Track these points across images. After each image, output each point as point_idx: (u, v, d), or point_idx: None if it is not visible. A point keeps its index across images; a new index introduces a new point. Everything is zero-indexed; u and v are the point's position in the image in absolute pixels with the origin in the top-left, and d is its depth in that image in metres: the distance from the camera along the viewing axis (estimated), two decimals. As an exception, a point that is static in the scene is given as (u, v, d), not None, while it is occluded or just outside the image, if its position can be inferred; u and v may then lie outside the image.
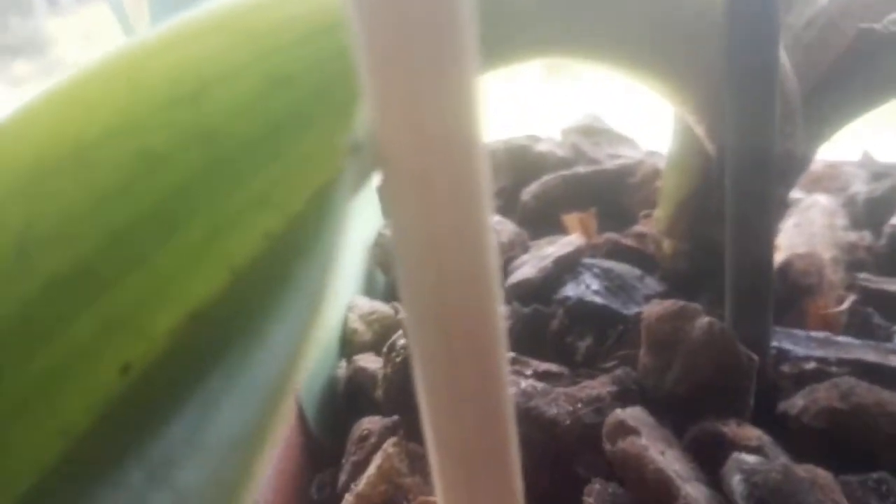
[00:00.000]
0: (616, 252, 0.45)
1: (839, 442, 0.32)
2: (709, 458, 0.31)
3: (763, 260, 0.34)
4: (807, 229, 0.50)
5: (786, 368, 0.37)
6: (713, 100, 0.34)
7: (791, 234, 0.50)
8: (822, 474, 0.29)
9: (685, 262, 0.42)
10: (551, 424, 0.31)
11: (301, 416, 0.36)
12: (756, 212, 0.33)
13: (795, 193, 0.55)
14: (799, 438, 0.32)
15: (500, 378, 0.15)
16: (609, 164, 0.51)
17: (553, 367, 0.37)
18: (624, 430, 0.29)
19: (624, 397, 0.35)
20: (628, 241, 0.45)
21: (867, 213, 0.50)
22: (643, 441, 0.29)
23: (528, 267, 0.43)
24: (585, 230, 0.46)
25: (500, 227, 0.47)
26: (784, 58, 0.35)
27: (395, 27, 0.12)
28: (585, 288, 0.41)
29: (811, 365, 0.37)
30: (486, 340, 0.14)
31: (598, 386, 0.36)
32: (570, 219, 0.47)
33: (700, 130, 0.36)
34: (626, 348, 0.38)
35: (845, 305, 0.41)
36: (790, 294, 0.43)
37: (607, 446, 0.30)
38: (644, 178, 0.49)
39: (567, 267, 0.43)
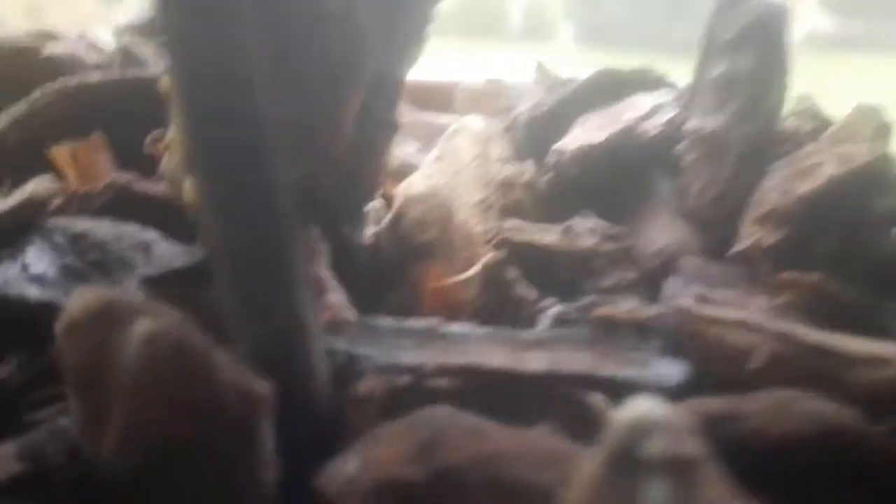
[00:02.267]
0: (126, 202, 0.27)
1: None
2: None
3: (269, 192, 0.17)
4: (451, 164, 0.35)
5: (359, 389, 0.21)
6: None
7: (431, 172, 0.35)
8: None
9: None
10: None
11: None
12: (232, 115, 0.16)
13: (443, 118, 0.40)
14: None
15: None
16: (152, 71, 0.33)
17: None
18: None
19: (28, 489, 0.17)
20: (151, 184, 0.27)
21: (531, 138, 0.36)
22: None
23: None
24: (81, 169, 0.28)
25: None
26: None
27: None
28: (20, 272, 0.22)
29: (401, 379, 0.21)
30: None
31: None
32: (61, 153, 0.28)
33: None
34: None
35: (474, 271, 0.26)
36: (403, 256, 0.28)
37: None
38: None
39: (5, 237, 0.24)
